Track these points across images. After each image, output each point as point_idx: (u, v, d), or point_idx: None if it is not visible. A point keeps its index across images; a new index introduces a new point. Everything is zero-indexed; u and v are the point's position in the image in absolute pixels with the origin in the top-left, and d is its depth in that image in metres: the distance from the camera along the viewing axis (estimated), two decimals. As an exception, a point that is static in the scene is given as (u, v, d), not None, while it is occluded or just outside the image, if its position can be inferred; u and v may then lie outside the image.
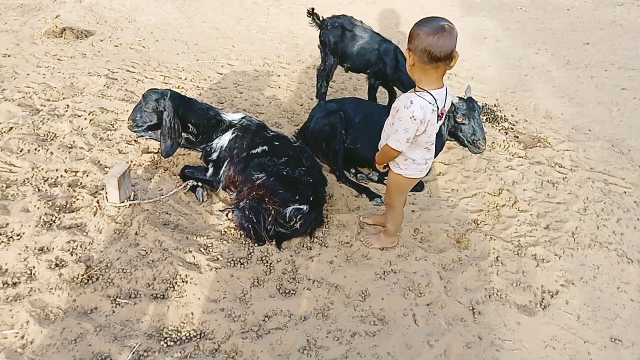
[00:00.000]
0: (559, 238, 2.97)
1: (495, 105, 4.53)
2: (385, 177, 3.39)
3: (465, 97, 2.87)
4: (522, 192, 3.37)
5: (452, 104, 2.80)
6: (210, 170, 3.07)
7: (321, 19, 4.04)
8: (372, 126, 3.42)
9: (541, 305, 2.50)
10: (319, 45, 4.09)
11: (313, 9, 4.07)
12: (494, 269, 2.69)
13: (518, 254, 2.83)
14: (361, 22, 3.98)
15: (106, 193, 2.72)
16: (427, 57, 2.01)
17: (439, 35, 1.97)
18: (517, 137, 4.05)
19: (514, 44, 6.03)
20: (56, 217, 2.59)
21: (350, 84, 4.72)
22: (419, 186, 3.34)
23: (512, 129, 4.17)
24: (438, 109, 2.15)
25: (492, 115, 4.31)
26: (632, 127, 4.32)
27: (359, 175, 3.44)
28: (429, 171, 2.52)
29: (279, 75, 4.73)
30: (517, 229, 3.03)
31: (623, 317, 2.48)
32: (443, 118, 2.25)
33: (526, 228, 3.04)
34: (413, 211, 3.11)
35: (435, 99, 2.12)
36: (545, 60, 5.58)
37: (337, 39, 3.91)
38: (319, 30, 4.05)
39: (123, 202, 2.71)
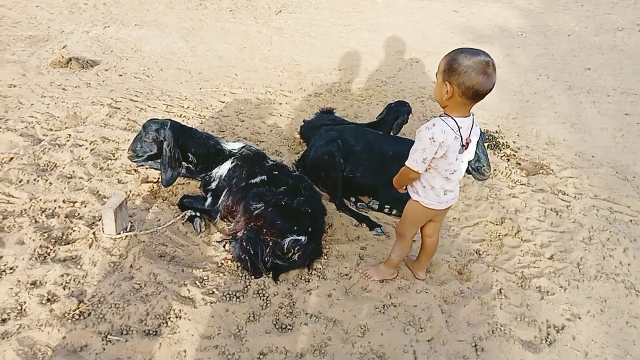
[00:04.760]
0: (564, 269, 2.90)
1: (497, 132, 4.51)
2: (386, 207, 3.37)
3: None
4: (525, 220, 3.30)
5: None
6: (209, 200, 3.05)
7: None
8: (373, 155, 3.42)
9: (547, 341, 2.42)
10: None
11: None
12: (497, 302, 2.62)
13: (522, 286, 2.75)
14: None
15: (102, 224, 2.69)
16: (472, 94, 2.01)
17: (488, 74, 1.97)
18: (520, 164, 4.00)
19: (515, 70, 6.04)
20: (51, 250, 2.56)
21: (351, 112, 4.72)
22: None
23: (514, 155, 4.13)
24: (462, 137, 2.13)
25: (494, 142, 4.28)
26: (637, 154, 4.27)
27: (359, 204, 3.40)
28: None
29: (281, 104, 4.75)
30: (521, 259, 2.96)
31: (633, 355, 2.39)
32: (470, 148, 2.21)
33: (530, 259, 2.97)
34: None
35: (459, 126, 2.11)
36: (546, 86, 5.58)
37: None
38: None
39: (119, 233, 2.69)
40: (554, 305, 2.64)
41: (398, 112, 3.89)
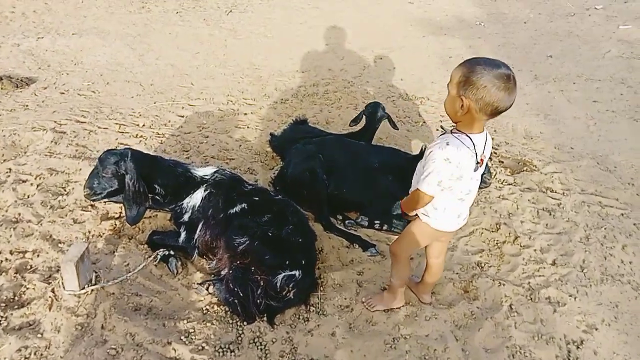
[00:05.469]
0: (569, 275, 2.78)
1: (473, 129, 4.38)
2: (376, 222, 3.14)
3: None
4: (520, 224, 3.18)
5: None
6: (183, 235, 2.71)
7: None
8: (357, 167, 3.18)
9: (569, 359, 2.27)
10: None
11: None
12: (510, 321, 2.45)
13: (531, 299, 2.60)
14: None
15: (62, 279, 2.30)
16: (492, 111, 1.80)
17: (510, 89, 1.76)
18: (502, 162, 3.89)
19: (479, 61, 5.97)
20: (2, 317, 2.16)
21: (321, 118, 4.46)
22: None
23: (495, 153, 4.01)
24: (477, 155, 1.91)
25: (473, 140, 4.14)
26: (613, 142, 4.26)
27: (347, 222, 3.15)
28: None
29: (246, 114, 4.41)
30: (524, 268, 2.82)
31: (656, 364, 2.29)
32: (483, 165, 2.00)
33: (533, 267, 2.83)
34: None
35: (474, 143, 1.89)
36: (513, 77, 5.53)
37: None
38: None
39: (83, 288, 2.31)
40: (567, 317, 2.50)
41: (378, 114, 3.63)
